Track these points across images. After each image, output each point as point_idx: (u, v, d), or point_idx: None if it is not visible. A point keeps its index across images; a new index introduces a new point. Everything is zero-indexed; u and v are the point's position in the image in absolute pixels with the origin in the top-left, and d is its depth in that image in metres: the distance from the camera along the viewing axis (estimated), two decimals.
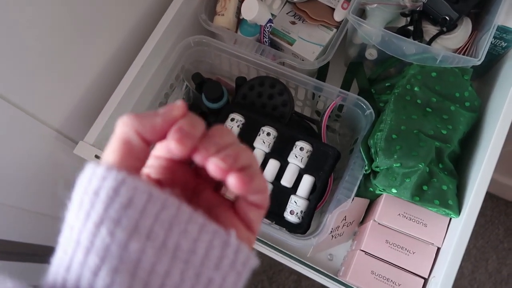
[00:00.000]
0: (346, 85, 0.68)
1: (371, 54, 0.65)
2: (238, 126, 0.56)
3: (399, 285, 0.48)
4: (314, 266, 0.50)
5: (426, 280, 0.48)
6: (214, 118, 0.58)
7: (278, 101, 0.57)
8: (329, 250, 0.61)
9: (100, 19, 0.53)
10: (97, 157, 0.52)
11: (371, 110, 0.54)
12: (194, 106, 0.62)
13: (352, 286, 0.49)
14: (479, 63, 0.52)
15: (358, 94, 0.65)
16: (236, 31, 0.63)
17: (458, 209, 0.48)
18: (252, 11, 0.55)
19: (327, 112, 0.57)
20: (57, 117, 0.54)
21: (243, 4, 0.57)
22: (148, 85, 0.58)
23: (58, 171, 0.59)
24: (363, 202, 0.56)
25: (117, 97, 0.56)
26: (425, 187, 0.48)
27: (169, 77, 0.60)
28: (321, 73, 0.69)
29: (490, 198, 1.20)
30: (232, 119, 0.56)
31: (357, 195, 0.56)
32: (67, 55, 0.50)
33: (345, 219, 0.55)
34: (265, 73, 0.59)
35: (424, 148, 0.49)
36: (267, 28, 0.58)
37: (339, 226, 0.55)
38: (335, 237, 0.56)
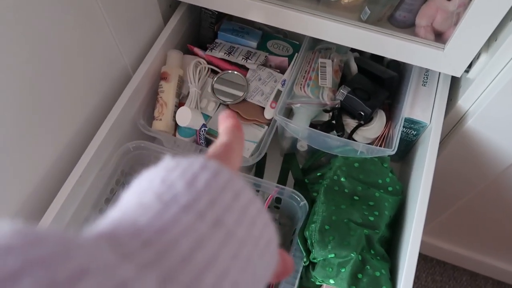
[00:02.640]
0: (283, 175, 0.72)
1: (302, 146, 0.70)
2: None
3: None
4: None
5: None
6: None
7: None
8: None
9: (35, 132, 0.55)
10: None
11: (305, 201, 0.58)
12: None
13: None
14: (393, 153, 0.59)
15: (294, 185, 0.69)
16: (175, 134, 0.67)
17: None
18: (185, 119, 0.59)
19: (264, 206, 0.60)
20: None
21: (177, 113, 0.62)
22: (88, 193, 0.58)
23: None
24: None
25: (55, 208, 0.55)
26: (359, 275, 0.50)
27: (109, 183, 0.61)
28: (259, 166, 0.73)
29: (438, 264, 1.25)
30: None
31: (300, 286, 0.57)
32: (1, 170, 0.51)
33: None
34: None
35: (354, 236, 0.52)
36: (202, 131, 0.62)
37: None
38: None
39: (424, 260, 1.25)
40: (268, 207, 0.64)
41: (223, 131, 0.28)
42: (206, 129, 0.64)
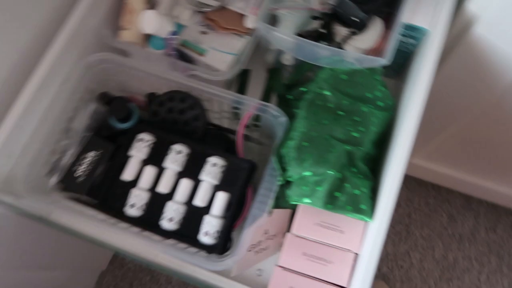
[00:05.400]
0: (267, 93, 0.66)
1: (287, 59, 0.63)
2: (147, 146, 0.53)
3: None
4: None
5: None
6: (125, 140, 0.55)
7: (189, 116, 0.55)
8: (257, 265, 0.59)
9: None
10: None
11: (285, 118, 0.53)
12: (103, 128, 0.58)
13: None
14: (388, 63, 0.52)
15: (278, 101, 0.64)
16: (145, 45, 0.60)
17: (372, 213, 0.47)
18: (150, 24, 0.52)
19: (241, 124, 0.55)
20: None
21: (141, 17, 0.54)
22: (47, 110, 0.54)
23: None
24: (285, 213, 0.55)
25: (7, 127, 0.51)
26: (337, 194, 0.47)
27: (71, 99, 0.56)
28: (242, 83, 0.67)
29: (432, 187, 1.24)
30: (141, 139, 0.53)
31: (277, 206, 0.54)
32: None
33: (267, 232, 0.54)
34: (177, 87, 0.56)
35: (334, 153, 0.48)
36: (171, 40, 0.55)
37: (261, 241, 0.53)
38: (259, 252, 0.54)
39: (418, 184, 1.24)
40: (247, 126, 0.59)
41: None
42: (175, 37, 0.56)
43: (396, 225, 1.20)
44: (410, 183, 1.24)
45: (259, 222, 0.49)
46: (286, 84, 0.63)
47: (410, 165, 1.08)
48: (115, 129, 0.56)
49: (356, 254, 0.48)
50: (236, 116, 0.61)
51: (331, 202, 0.47)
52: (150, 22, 0.52)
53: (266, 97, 0.66)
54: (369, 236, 0.47)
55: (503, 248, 1.19)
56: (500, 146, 0.85)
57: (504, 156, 0.89)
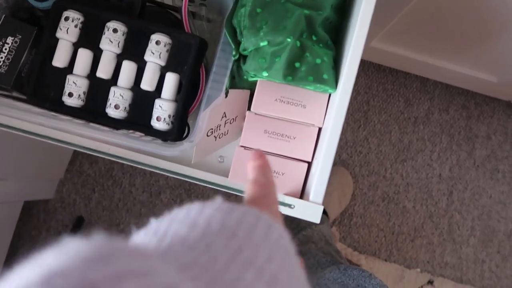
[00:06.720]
0: None
1: None
2: (76, 26, 0.45)
3: (283, 174, 0.45)
4: (193, 175, 0.45)
5: (310, 164, 0.47)
6: (48, 21, 0.47)
7: None
8: (218, 152, 0.57)
9: None
10: None
11: None
12: (20, 10, 0.48)
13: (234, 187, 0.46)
14: None
15: None
16: None
17: (335, 83, 0.44)
18: None
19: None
20: None
21: None
22: None
23: None
24: (243, 93, 0.51)
25: None
26: (297, 64, 0.43)
27: None
28: None
29: (390, 73, 1.24)
30: (67, 18, 0.45)
31: (234, 86, 0.50)
32: None
33: (225, 116, 0.50)
34: None
35: (292, 19, 0.43)
36: None
37: (220, 125, 0.50)
38: (219, 137, 0.52)
39: (377, 70, 1.23)
40: (193, 1, 0.52)
41: (253, 171, 0.29)
42: None
43: (355, 113, 1.22)
44: (369, 69, 1.23)
45: (216, 103, 0.45)
46: None
47: (368, 49, 1.06)
48: (35, 10, 0.47)
49: (320, 128, 0.47)
50: None
51: (291, 73, 0.43)
52: None
53: None
54: (332, 106, 0.45)
55: (454, 127, 1.26)
56: (453, 23, 0.83)
57: (457, 33, 0.87)
